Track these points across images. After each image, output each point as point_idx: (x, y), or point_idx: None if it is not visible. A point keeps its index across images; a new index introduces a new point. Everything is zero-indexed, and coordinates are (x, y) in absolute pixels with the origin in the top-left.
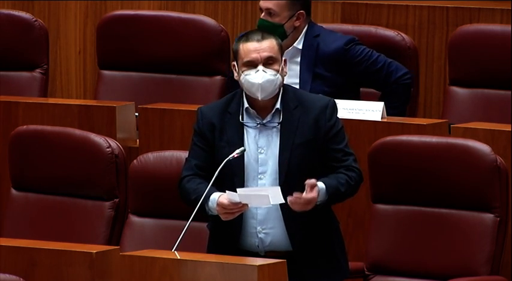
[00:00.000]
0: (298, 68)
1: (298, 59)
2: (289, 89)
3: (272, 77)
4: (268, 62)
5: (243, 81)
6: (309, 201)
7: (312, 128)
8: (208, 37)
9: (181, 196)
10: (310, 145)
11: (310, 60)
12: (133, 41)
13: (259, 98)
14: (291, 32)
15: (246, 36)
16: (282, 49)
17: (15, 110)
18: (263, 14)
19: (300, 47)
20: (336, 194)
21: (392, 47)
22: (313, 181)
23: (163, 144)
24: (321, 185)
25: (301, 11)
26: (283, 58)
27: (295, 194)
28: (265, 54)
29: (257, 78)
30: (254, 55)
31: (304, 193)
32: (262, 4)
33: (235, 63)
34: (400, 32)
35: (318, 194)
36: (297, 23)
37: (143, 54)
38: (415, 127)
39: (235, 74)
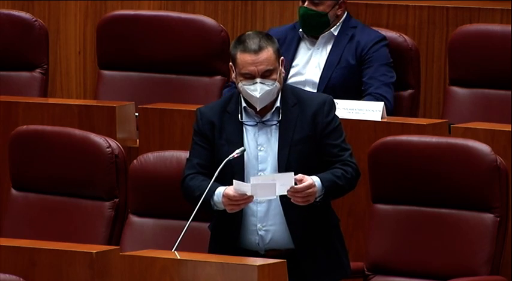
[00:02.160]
0: (328, 54)
1: (331, 46)
2: (287, 87)
3: (270, 87)
4: (265, 74)
5: (241, 89)
6: (306, 187)
7: (310, 124)
8: (208, 37)
9: (184, 194)
10: (309, 141)
11: (342, 47)
12: (133, 41)
13: (258, 109)
14: (333, 21)
15: (243, 44)
16: (279, 52)
17: (15, 110)
18: (306, 3)
19: (336, 33)
20: (333, 187)
21: (394, 48)
22: (299, 175)
23: (163, 144)
24: (315, 178)
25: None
26: (280, 59)
27: (291, 188)
28: (262, 67)
29: (255, 91)
30: (251, 68)
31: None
32: None
33: (232, 64)
34: (402, 34)
35: (315, 184)
36: (339, 12)
37: (143, 54)
38: (415, 127)
39: (233, 76)
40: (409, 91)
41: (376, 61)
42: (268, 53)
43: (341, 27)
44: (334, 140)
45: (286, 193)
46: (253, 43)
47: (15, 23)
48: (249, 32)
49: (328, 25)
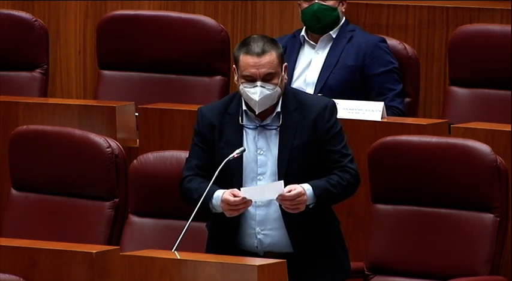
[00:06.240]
0: (325, 56)
1: (329, 48)
2: (289, 91)
3: (270, 92)
4: (266, 77)
5: (241, 91)
6: (295, 196)
7: (311, 129)
8: (208, 37)
9: (182, 196)
10: (309, 147)
11: (340, 48)
12: (134, 41)
13: (257, 112)
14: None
15: (246, 47)
16: (282, 58)
17: (15, 110)
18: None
19: (334, 36)
20: (326, 195)
21: (394, 56)
22: (288, 187)
23: (163, 144)
24: (306, 186)
25: None
26: (283, 65)
27: (280, 196)
28: (264, 70)
29: (255, 95)
30: (253, 70)
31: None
32: None
33: (235, 66)
34: (402, 42)
35: (305, 193)
36: (343, 9)
37: (143, 54)
38: (415, 127)
39: (235, 78)
40: (407, 100)
41: (381, 67)
42: (271, 56)
43: (339, 30)
44: (334, 146)
45: (275, 199)
46: (256, 46)
47: (15, 23)
48: (254, 35)
49: (338, 21)
